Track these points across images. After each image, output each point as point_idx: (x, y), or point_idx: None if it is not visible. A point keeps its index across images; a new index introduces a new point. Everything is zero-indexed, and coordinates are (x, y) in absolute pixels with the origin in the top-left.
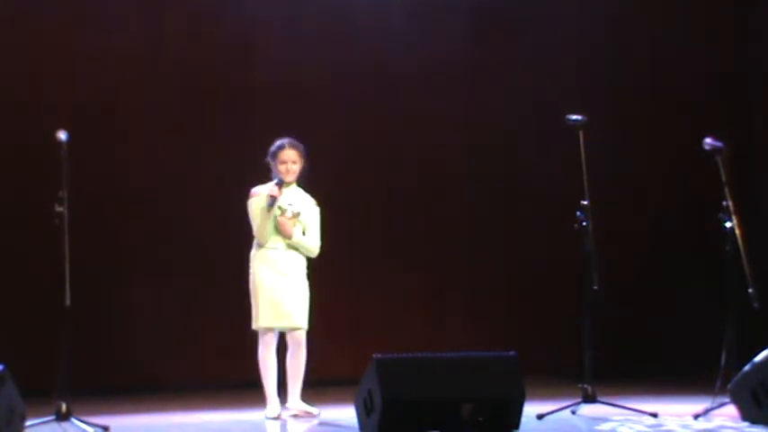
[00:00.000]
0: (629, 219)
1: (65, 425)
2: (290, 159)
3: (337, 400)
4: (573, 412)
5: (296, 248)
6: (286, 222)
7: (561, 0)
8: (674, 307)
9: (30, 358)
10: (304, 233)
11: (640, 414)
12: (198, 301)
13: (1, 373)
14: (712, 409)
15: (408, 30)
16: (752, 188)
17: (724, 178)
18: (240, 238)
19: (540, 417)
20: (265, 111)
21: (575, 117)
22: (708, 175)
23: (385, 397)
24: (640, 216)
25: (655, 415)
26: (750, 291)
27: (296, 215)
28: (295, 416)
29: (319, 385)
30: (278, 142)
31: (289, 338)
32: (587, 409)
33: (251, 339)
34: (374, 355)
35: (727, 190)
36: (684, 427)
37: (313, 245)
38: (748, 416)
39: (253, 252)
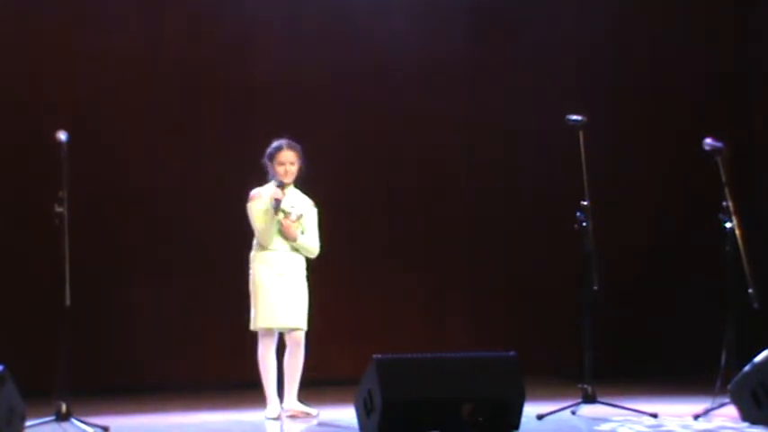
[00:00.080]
0: (629, 219)
1: (65, 425)
2: (288, 161)
3: (337, 400)
4: (573, 412)
5: (296, 250)
6: (291, 225)
7: (561, 0)
8: (674, 307)
9: (30, 358)
10: (302, 234)
11: (640, 414)
12: (198, 301)
13: (1, 373)
14: (712, 409)
15: (408, 30)
16: (752, 188)
17: (724, 178)
18: (240, 239)
19: (540, 417)
20: (265, 111)
21: (575, 117)
22: (708, 175)
23: (385, 397)
24: (640, 216)
25: (655, 415)
26: (750, 291)
27: (299, 217)
28: (292, 416)
29: (319, 385)
30: (275, 143)
31: (288, 339)
32: (587, 410)
33: (251, 339)
34: (374, 356)
35: (727, 190)
36: (684, 427)
37: (313, 245)
38: (748, 416)
39: (253, 253)
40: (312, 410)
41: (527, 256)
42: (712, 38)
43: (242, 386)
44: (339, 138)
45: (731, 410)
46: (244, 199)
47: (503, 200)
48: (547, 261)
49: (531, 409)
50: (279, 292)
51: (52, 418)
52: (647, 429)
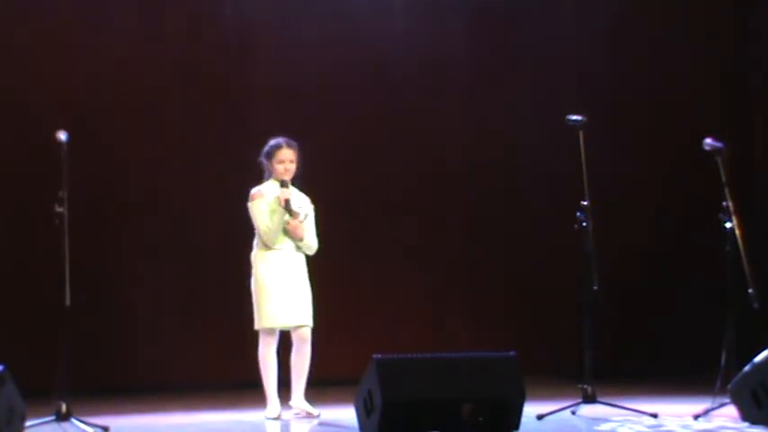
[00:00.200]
0: (629, 219)
1: (65, 425)
2: (287, 158)
3: (337, 400)
4: (573, 412)
5: (299, 248)
6: (299, 225)
7: (561, 0)
8: (674, 307)
9: (30, 358)
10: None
11: (640, 414)
12: (198, 301)
13: (1, 373)
14: (712, 409)
15: (408, 30)
16: (752, 188)
17: (724, 178)
18: (240, 239)
19: (540, 417)
20: (265, 111)
21: (575, 117)
22: (708, 175)
23: (385, 397)
24: (640, 216)
25: (655, 415)
26: (750, 291)
27: (305, 217)
28: (296, 414)
29: (319, 385)
30: (273, 141)
31: (294, 336)
32: (587, 410)
33: (251, 339)
34: (374, 356)
35: (727, 190)
36: (684, 427)
37: (314, 243)
38: (748, 416)
39: (255, 253)
40: (315, 411)
41: (527, 256)
42: (712, 38)
43: (242, 386)
44: (339, 138)
45: (731, 410)
46: (244, 199)
47: (503, 200)
48: (547, 261)
49: (531, 409)
50: (285, 291)
51: (52, 418)
52: (647, 429)
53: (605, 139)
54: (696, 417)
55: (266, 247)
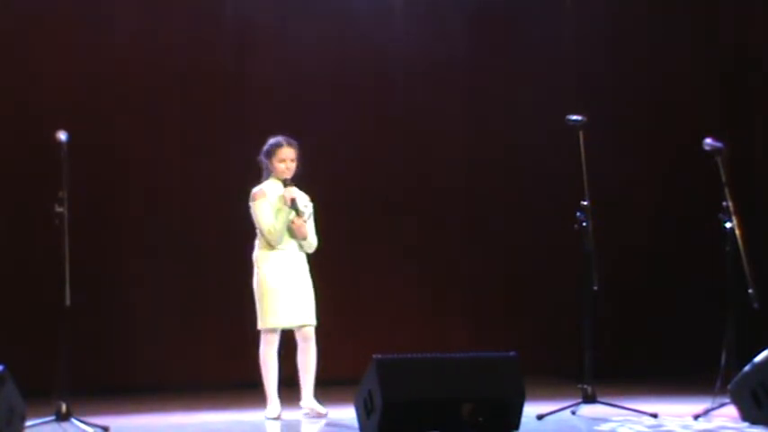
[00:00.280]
0: (629, 219)
1: (65, 425)
2: (288, 157)
3: (338, 400)
4: (573, 413)
5: (301, 247)
6: (303, 225)
7: (561, 0)
8: (674, 307)
9: (30, 358)
10: None
11: (640, 414)
12: (198, 301)
13: (1, 373)
14: (712, 409)
15: (408, 30)
16: (752, 188)
17: (724, 178)
18: (240, 239)
19: (540, 417)
20: (265, 111)
21: (575, 117)
22: (708, 175)
23: (385, 397)
24: (640, 216)
25: (655, 415)
26: (750, 291)
27: (309, 216)
28: (306, 414)
29: (319, 385)
30: (273, 140)
31: (298, 336)
32: (587, 410)
33: (251, 339)
34: (374, 356)
35: (727, 190)
36: (684, 427)
37: (315, 241)
38: (748, 416)
39: (257, 253)
40: (323, 410)
41: (527, 255)
42: (712, 38)
43: (242, 386)
44: (339, 138)
45: (731, 410)
46: (244, 199)
47: (503, 200)
48: (547, 261)
49: (531, 409)
50: (289, 291)
51: (52, 418)
52: (647, 429)
53: (605, 139)
54: (696, 417)
55: (269, 246)
